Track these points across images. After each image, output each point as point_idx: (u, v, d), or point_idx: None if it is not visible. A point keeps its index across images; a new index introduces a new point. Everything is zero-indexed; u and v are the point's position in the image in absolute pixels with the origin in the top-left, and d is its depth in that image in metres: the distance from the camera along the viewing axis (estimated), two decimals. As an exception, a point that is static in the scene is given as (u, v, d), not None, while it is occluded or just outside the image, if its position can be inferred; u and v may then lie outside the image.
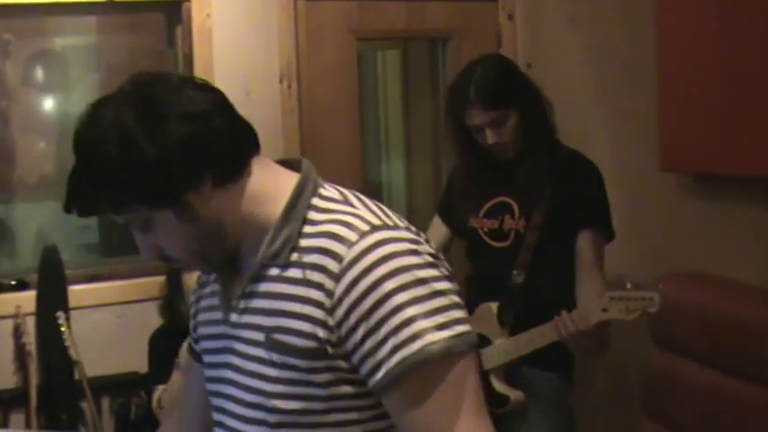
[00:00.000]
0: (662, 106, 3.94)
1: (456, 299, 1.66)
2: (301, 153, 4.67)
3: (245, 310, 1.76)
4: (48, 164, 5.24)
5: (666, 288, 3.41)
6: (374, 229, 1.65)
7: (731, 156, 3.62)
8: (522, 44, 5.02)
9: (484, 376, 3.38)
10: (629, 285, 3.09)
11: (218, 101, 1.75)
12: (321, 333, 1.64)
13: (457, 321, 1.63)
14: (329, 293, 1.63)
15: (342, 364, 1.66)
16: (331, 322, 1.63)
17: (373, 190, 5.78)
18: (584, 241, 3.44)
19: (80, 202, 1.72)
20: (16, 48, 4.84)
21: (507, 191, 3.53)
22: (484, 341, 3.42)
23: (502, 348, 3.42)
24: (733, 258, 3.76)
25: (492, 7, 5.09)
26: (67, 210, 1.72)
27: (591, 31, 4.50)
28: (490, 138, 3.40)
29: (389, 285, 1.60)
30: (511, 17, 5.07)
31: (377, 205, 1.76)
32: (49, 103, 5.17)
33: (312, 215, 1.72)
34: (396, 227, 1.69)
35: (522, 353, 3.37)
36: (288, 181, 1.77)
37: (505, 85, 3.44)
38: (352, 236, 1.64)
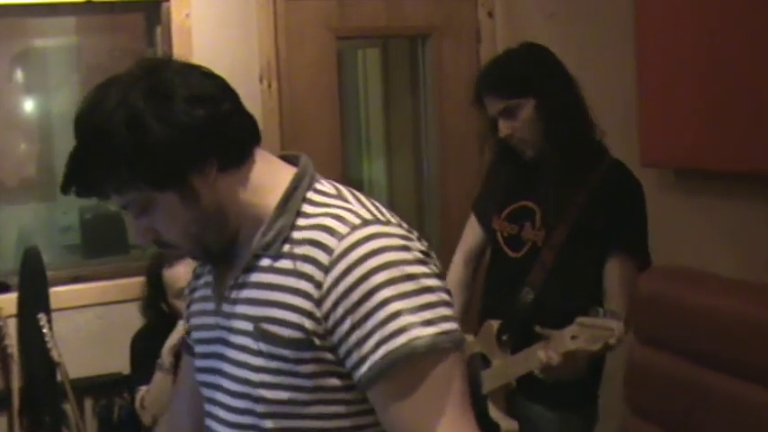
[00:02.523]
0: (641, 102, 3.96)
1: (445, 296, 1.65)
2: (281, 152, 4.66)
3: (236, 301, 1.76)
4: (29, 165, 5.24)
5: (647, 282, 3.42)
6: (366, 223, 1.66)
7: (711, 151, 3.63)
8: (502, 41, 5.02)
9: (482, 401, 3.11)
10: (600, 312, 2.84)
11: (225, 87, 1.76)
12: (308, 324, 1.64)
13: (444, 318, 1.62)
14: (318, 285, 1.63)
15: (328, 355, 1.65)
16: (318, 314, 1.63)
17: (354, 188, 5.77)
18: (612, 267, 3.08)
19: (81, 182, 1.70)
20: (-5, 49, 4.83)
21: (533, 194, 3.18)
22: (485, 362, 3.14)
23: (498, 370, 3.11)
24: (714, 253, 3.78)
25: (471, 4, 5.10)
26: (65, 190, 1.70)
27: (570, 28, 4.51)
28: (502, 129, 3.09)
29: (378, 279, 1.59)
30: (490, 14, 5.08)
31: (371, 201, 1.76)
32: (29, 104, 5.16)
33: (306, 208, 1.72)
34: (388, 222, 1.68)
35: (513, 377, 3.07)
36: (285, 174, 1.78)
37: (519, 71, 3.12)
38: (343, 229, 1.64)
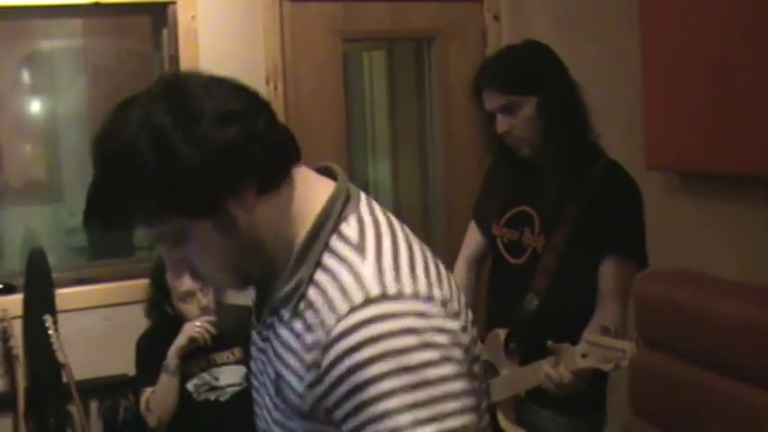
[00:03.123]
0: (647, 105, 3.95)
1: (453, 386, 1.46)
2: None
3: (266, 339, 1.65)
4: (35, 167, 5.24)
5: (652, 286, 3.42)
6: (367, 302, 1.46)
7: (716, 154, 3.63)
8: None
9: (490, 410, 3.07)
10: (610, 330, 2.81)
11: (257, 100, 1.57)
12: (310, 398, 1.52)
13: (449, 415, 1.44)
14: (317, 363, 1.48)
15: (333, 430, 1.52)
16: (317, 392, 1.50)
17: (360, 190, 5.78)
18: (607, 268, 3.03)
19: (105, 214, 1.52)
20: (2, 51, 4.84)
21: (532, 199, 3.14)
22: (493, 371, 3.10)
23: (507, 381, 3.08)
24: (718, 256, 3.78)
25: (477, 7, 5.10)
26: (88, 223, 1.52)
27: (576, 31, 4.51)
28: (500, 125, 3.03)
29: (370, 372, 1.43)
30: (496, 17, 5.08)
31: (396, 249, 1.56)
32: (35, 106, 5.17)
33: (326, 260, 1.55)
34: (398, 296, 1.48)
35: (521, 389, 3.05)
36: (319, 198, 1.61)
37: (523, 68, 3.07)
38: (343, 307, 1.47)
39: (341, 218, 1.59)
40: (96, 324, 4.49)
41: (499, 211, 3.23)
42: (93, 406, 4.50)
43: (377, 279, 1.49)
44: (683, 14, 3.74)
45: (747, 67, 3.45)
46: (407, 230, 1.64)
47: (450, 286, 1.60)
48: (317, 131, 4.81)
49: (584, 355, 2.78)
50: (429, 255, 1.62)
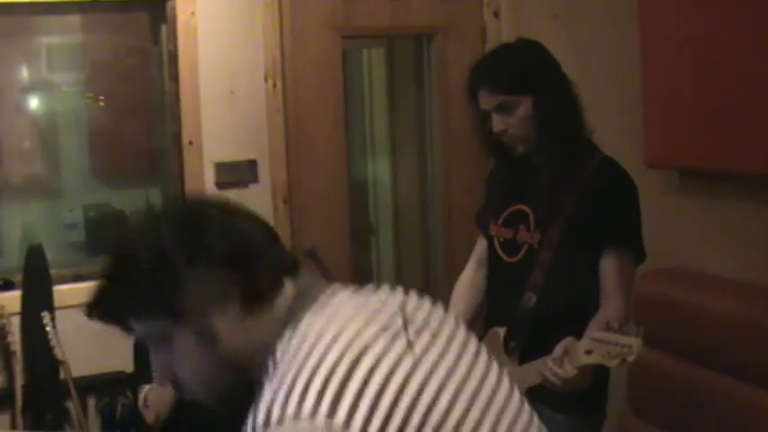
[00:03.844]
0: (646, 103, 3.95)
1: None
2: (286, 151, 4.67)
3: None
4: (34, 163, 5.24)
5: (651, 284, 3.42)
6: (266, 425, 1.43)
7: (716, 152, 3.63)
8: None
9: None
10: (614, 326, 2.74)
11: (257, 226, 1.67)
12: None
13: None
14: None
15: None
16: None
17: (359, 188, 5.79)
18: (607, 263, 3.01)
19: (102, 308, 1.69)
20: (1, 47, 4.84)
21: (527, 198, 3.13)
22: None
23: None
24: (718, 254, 3.78)
25: (477, 4, 5.09)
26: (89, 315, 1.71)
27: (576, 28, 4.51)
28: (496, 125, 3.03)
29: None
30: (496, 14, 5.07)
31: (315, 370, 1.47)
32: (34, 102, 5.17)
33: (271, 378, 1.54)
34: (295, 417, 1.41)
35: (522, 387, 3.00)
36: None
37: (519, 68, 3.05)
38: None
39: (293, 333, 1.56)
40: (94, 321, 4.48)
41: (496, 212, 3.23)
42: (91, 403, 4.50)
43: (284, 399, 1.44)
44: (682, 13, 3.74)
45: (746, 66, 3.45)
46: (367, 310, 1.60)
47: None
48: (315, 128, 4.80)
49: (588, 352, 2.76)
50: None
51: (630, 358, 2.70)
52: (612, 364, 2.74)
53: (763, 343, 3.18)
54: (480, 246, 3.41)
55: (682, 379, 3.49)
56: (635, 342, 2.68)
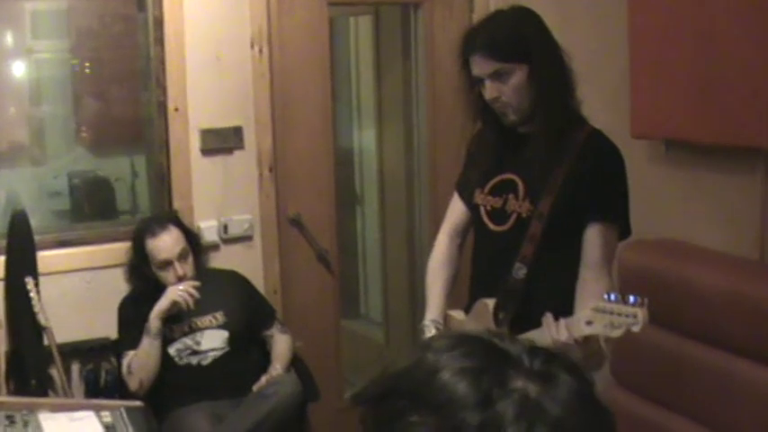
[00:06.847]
0: (633, 73, 3.95)
1: None
2: (272, 118, 4.65)
3: None
4: (18, 130, 5.21)
5: (635, 255, 3.42)
6: None
7: (702, 123, 3.63)
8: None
9: None
10: (613, 296, 2.68)
11: None
12: None
13: None
14: None
15: None
16: None
17: (344, 155, 5.78)
18: (591, 235, 2.98)
19: None
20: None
21: (516, 167, 3.09)
22: None
23: None
24: (702, 225, 3.78)
25: (464, -27, 5.08)
26: None
27: (563, -2, 4.49)
28: (488, 92, 2.98)
29: None
30: (483, -17, 5.05)
31: None
32: (19, 68, 5.14)
33: None
34: None
35: None
36: None
37: (515, 35, 2.99)
38: None
39: None
40: (78, 287, 4.48)
41: (482, 179, 3.17)
42: (75, 369, 4.49)
43: None
44: (671, -17, 3.73)
45: (734, 38, 3.45)
46: None
47: None
48: (302, 96, 4.79)
49: (588, 323, 2.71)
50: None
51: (636, 328, 2.64)
52: (616, 334, 2.67)
53: (748, 314, 3.20)
54: (456, 215, 3.36)
55: (665, 350, 3.51)
56: (640, 311, 2.63)
